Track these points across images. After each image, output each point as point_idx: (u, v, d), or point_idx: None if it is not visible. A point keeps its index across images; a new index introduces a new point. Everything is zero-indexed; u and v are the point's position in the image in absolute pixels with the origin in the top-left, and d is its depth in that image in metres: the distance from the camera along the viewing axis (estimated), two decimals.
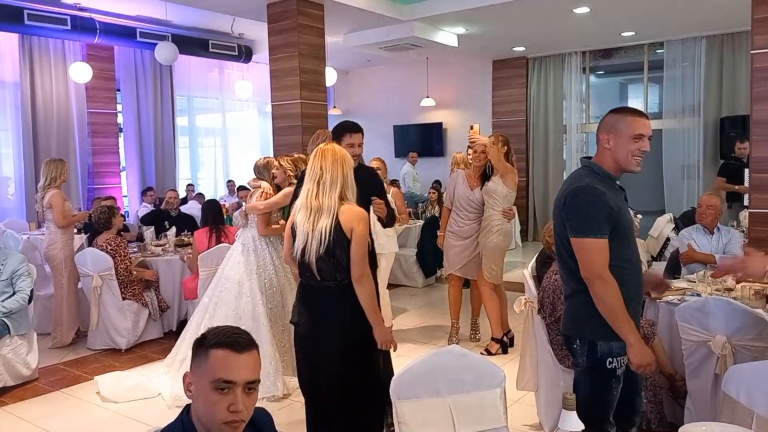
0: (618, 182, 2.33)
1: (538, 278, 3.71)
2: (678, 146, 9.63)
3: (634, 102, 12.31)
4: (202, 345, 1.52)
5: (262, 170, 4.45)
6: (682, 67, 9.48)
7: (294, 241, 2.65)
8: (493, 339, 5.02)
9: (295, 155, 4.61)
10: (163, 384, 4.21)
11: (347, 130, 3.47)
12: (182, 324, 5.51)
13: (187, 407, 1.54)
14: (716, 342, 2.85)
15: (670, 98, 9.75)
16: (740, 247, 4.39)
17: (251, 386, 1.50)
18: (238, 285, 4.20)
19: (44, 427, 3.78)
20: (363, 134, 3.52)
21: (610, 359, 2.21)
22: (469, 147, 5.16)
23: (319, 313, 2.65)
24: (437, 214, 8.04)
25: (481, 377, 2.14)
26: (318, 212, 2.56)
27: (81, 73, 8.00)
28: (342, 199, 2.58)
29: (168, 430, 1.52)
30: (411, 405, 2.07)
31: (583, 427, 1.42)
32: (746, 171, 6.55)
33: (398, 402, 2.06)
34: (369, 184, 3.34)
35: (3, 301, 4.22)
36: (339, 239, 2.53)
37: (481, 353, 4.87)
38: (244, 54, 9.93)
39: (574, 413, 1.43)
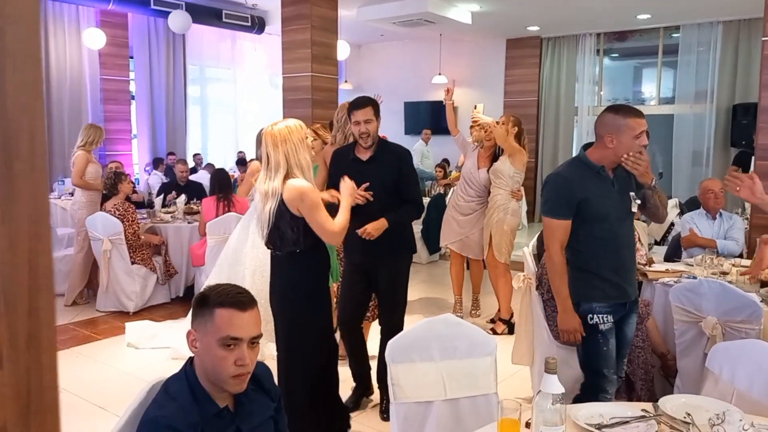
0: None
1: (538, 256, 3.77)
2: (689, 132, 9.59)
3: (648, 86, 12.21)
4: (205, 304, 1.58)
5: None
6: (697, 52, 9.39)
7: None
8: (500, 320, 5.08)
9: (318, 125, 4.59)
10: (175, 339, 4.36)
11: (351, 107, 3.26)
12: (189, 290, 5.64)
13: (191, 359, 1.63)
14: (707, 322, 2.92)
15: (683, 83, 9.68)
16: (742, 233, 4.40)
17: (255, 341, 1.59)
18: (234, 253, 4.27)
19: None
20: (374, 108, 3.22)
21: (591, 315, 2.53)
22: (471, 127, 5.17)
23: (272, 278, 2.90)
24: (443, 192, 8.10)
25: (473, 345, 2.22)
26: (265, 196, 2.72)
27: (94, 38, 8.05)
28: (287, 178, 2.67)
29: (173, 379, 1.61)
30: (405, 368, 2.15)
31: (563, 390, 1.50)
32: (753, 158, 6.55)
33: (393, 365, 2.14)
34: (397, 170, 3.21)
35: None
36: (282, 215, 2.67)
37: (487, 332, 4.95)
38: (257, 25, 9.92)
39: (555, 377, 1.50)
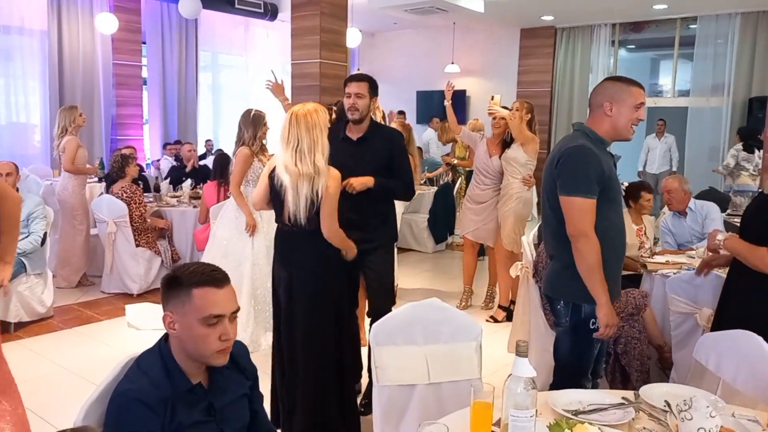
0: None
1: (537, 245, 3.75)
2: (704, 126, 9.45)
3: (664, 79, 12.05)
4: (180, 285, 1.56)
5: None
6: (715, 44, 9.23)
7: (271, 192, 2.89)
8: (500, 307, 5.07)
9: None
10: None
11: (347, 79, 3.23)
12: None
13: (165, 335, 1.63)
14: (703, 314, 2.88)
15: (699, 76, 9.53)
16: (720, 222, 4.19)
17: (234, 314, 1.60)
18: (226, 242, 4.27)
19: (56, 361, 3.97)
20: (370, 85, 3.16)
21: (594, 320, 2.28)
22: (491, 116, 5.10)
23: (292, 256, 2.89)
24: (450, 181, 8.06)
25: (458, 330, 2.20)
26: (299, 177, 2.72)
27: (107, 23, 8.08)
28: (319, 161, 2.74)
29: (146, 354, 1.62)
30: (388, 351, 2.14)
31: (535, 373, 1.48)
32: (755, 151, 6.42)
33: (376, 347, 2.14)
34: (387, 151, 3.18)
35: (19, 241, 4.38)
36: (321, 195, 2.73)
37: (487, 320, 4.93)
38: (270, 12, 9.92)
39: (527, 360, 1.49)
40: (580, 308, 2.30)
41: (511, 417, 1.46)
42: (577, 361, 2.38)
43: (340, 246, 2.87)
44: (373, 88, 3.20)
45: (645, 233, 4.16)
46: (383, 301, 3.29)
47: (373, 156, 3.16)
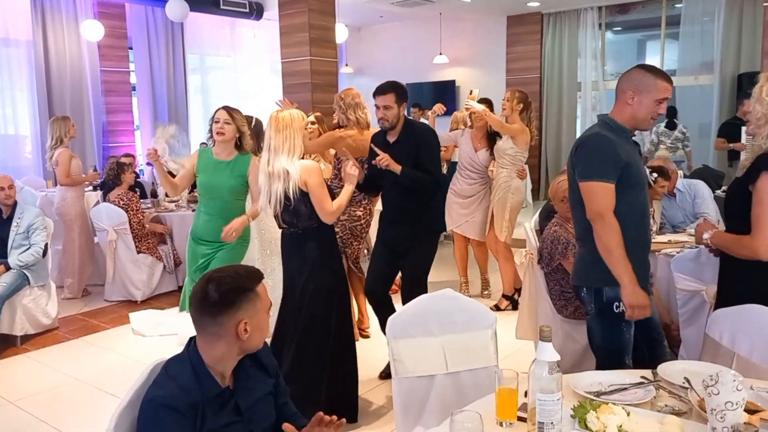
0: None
1: (540, 232, 3.77)
2: (694, 104, 9.49)
3: (652, 59, 12.08)
4: (248, 290, 1.62)
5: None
6: (701, 22, 9.27)
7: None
8: (503, 296, 5.10)
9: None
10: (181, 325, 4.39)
11: (374, 92, 3.43)
12: None
13: (192, 340, 1.64)
14: (709, 291, 2.91)
15: (687, 55, 9.57)
16: (710, 202, 4.19)
17: None
18: None
19: (65, 371, 3.97)
20: (396, 94, 3.36)
21: (617, 303, 2.28)
22: (465, 110, 5.12)
23: (292, 256, 3.12)
24: (445, 173, 8.06)
25: (472, 319, 2.23)
26: (271, 177, 2.95)
27: (93, 30, 8.03)
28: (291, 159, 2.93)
29: (174, 360, 1.62)
30: (405, 343, 2.16)
31: (558, 357, 1.50)
32: (743, 129, 6.49)
33: (393, 341, 2.16)
34: (415, 148, 3.36)
35: (20, 254, 4.37)
36: (294, 192, 2.90)
37: (491, 308, 4.96)
38: (255, 11, 9.87)
39: (550, 344, 1.50)
40: (602, 292, 2.31)
41: (539, 401, 1.48)
42: (610, 347, 2.35)
43: (343, 207, 3.02)
44: (400, 96, 3.40)
45: (653, 217, 4.19)
46: (414, 292, 3.38)
47: (405, 155, 3.36)
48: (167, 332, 4.51)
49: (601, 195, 2.23)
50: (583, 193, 2.29)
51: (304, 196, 2.92)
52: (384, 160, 3.28)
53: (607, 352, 2.35)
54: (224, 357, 1.61)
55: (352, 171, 3.08)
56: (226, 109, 3.65)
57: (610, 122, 2.33)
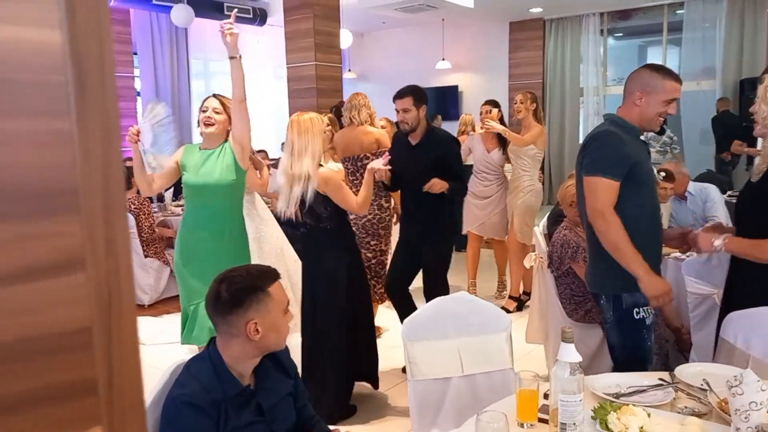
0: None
1: (549, 236, 3.78)
2: (697, 110, 9.53)
3: None
4: (259, 290, 1.62)
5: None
6: (703, 28, 9.32)
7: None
8: (510, 297, 5.10)
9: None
10: None
11: (394, 96, 3.57)
12: None
13: (213, 340, 1.65)
14: (720, 295, 2.91)
15: (689, 61, 9.61)
16: (720, 206, 4.15)
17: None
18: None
19: None
20: (414, 98, 3.48)
21: (637, 309, 2.26)
22: (482, 128, 5.11)
23: (311, 257, 3.22)
24: None
25: (487, 321, 2.24)
26: (292, 179, 2.99)
27: None
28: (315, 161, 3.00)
29: (195, 360, 1.64)
30: (420, 346, 2.17)
31: (581, 358, 1.51)
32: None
33: (408, 343, 2.17)
34: (436, 153, 3.48)
35: None
36: (315, 196, 2.98)
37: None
38: (259, 17, 9.92)
39: (572, 345, 1.52)
40: (621, 299, 2.27)
41: (561, 402, 1.49)
42: (633, 356, 2.29)
43: (369, 198, 3.11)
44: (418, 99, 3.52)
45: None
46: (434, 292, 3.48)
47: (427, 158, 3.52)
48: (171, 339, 4.47)
49: (603, 191, 2.19)
50: (585, 188, 2.25)
51: (324, 199, 3.01)
52: (437, 185, 3.42)
53: (629, 362, 2.28)
54: (241, 356, 1.61)
55: (377, 164, 3.13)
56: (218, 97, 3.14)
57: (619, 121, 2.30)
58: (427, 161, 3.50)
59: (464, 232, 5.43)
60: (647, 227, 2.28)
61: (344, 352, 3.14)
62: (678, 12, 9.64)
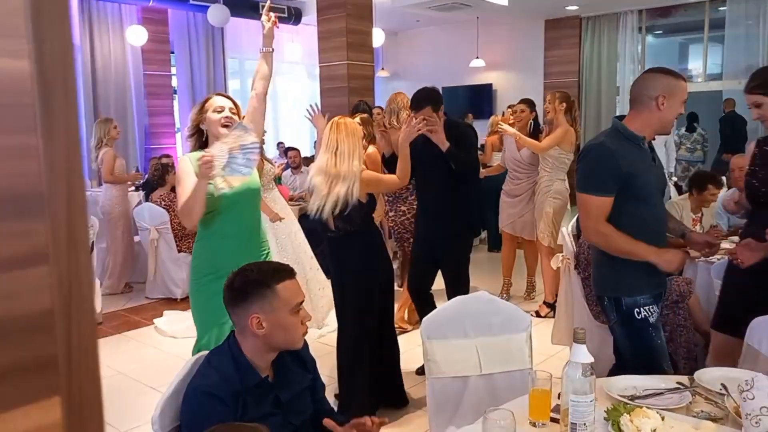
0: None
1: (577, 237, 3.75)
2: (739, 108, 9.27)
3: (694, 63, 11.85)
4: (264, 286, 1.63)
5: None
6: (746, 25, 9.06)
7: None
8: (545, 303, 5.05)
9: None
10: None
11: (411, 108, 3.62)
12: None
13: (232, 334, 1.70)
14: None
15: (731, 58, 9.36)
16: None
17: (303, 301, 1.73)
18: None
19: (109, 365, 4.10)
20: (433, 106, 3.47)
21: (637, 310, 2.26)
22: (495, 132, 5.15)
23: (338, 260, 3.22)
24: (483, 178, 8.04)
25: (508, 321, 2.24)
26: (336, 178, 2.98)
27: (137, 35, 8.28)
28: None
29: (216, 352, 1.69)
30: (439, 344, 2.19)
31: (592, 359, 1.51)
32: None
33: (427, 341, 2.19)
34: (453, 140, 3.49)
35: None
36: (353, 198, 2.98)
37: (531, 314, 4.90)
38: (294, 16, 10.02)
39: (584, 347, 1.51)
40: (621, 301, 2.28)
41: (572, 402, 1.49)
42: (641, 353, 2.30)
43: (407, 169, 3.11)
44: (436, 105, 3.49)
45: (701, 222, 4.13)
46: (456, 291, 3.51)
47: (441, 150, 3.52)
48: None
49: (594, 209, 2.22)
50: (578, 203, 2.29)
51: (360, 204, 3.01)
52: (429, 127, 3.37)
53: (640, 359, 2.30)
54: (254, 350, 1.65)
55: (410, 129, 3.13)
56: (225, 95, 2.75)
57: (621, 129, 2.27)
58: (440, 152, 3.50)
59: (500, 230, 5.44)
60: (649, 238, 2.24)
61: (368, 359, 3.17)
62: (720, 8, 9.39)
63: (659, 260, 2.19)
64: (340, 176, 2.97)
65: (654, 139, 2.36)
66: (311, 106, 4.08)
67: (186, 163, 2.53)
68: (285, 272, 1.68)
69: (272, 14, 2.90)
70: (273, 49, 2.93)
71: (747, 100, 2.56)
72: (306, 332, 1.72)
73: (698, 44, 10.48)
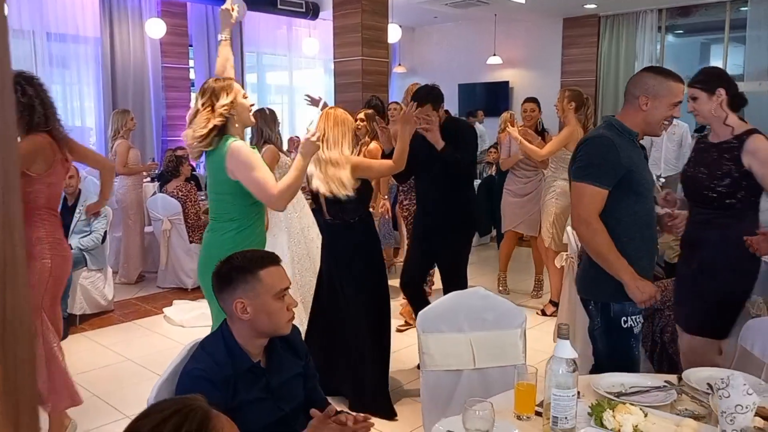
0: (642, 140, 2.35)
1: None
2: (759, 111, 9.15)
3: (715, 63, 11.69)
4: (247, 272, 1.68)
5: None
6: None
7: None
8: (551, 302, 5.04)
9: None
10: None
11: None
12: None
13: (225, 321, 1.75)
14: (752, 301, 2.85)
15: (753, 60, 9.23)
16: None
17: (288, 288, 1.75)
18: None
19: (119, 352, 4.19)
20: (433, 104, 3.47)
21: (625, 318, 2.24)
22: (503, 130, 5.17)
23: (332, 248, 3.30)
24: (494, 174, 8.05)
25: (502, 317, 2.27)
26: (327, 163, 3.09)
27: (156, 28, 8.37)
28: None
29: (210, 338, 1.75)
30: (434, 338, 2.22)
31: (576, 355, 1.54)
32: None
33: (423, 334, 2.22)
34: (450, 141, 3.48)
35: (81, 238, 4.64)
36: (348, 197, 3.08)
37: (537, 313, 4.92)
38: (311, 11, 10.07)
39: (568, 342, 1.54)
40: (609, 307, 2.25)
41: (553, 396, 1.52)
42: (619, 363, 2.21)
43: (405, 152, 3.15)
44: (436, 102, 3.52)
45: None
46: (446, 285, 3.60)
47: (446, 146, 3.53)
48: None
49: (588, 199, 2.17)
50: (572, 193, 2.27)
51: (356, 193, 3.09)
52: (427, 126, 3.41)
53: (615, 368, 2.15)
54: (244, 335, 1.69)
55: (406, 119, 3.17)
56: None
57: (616, 124, 2.26)
58: (447, 148, 3.51)
59: (503, 231, 5.40)
60: (640, 234, 2.24)
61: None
62: (742, 9, 9.27)
63: (633, 283, 2.14)
64: (329, 162, 3.09)
65: (642, 138, 2.33)
66: (307, 95, 4.10)
67: (249, 148, 2.51)
68: (269, 259, 1.72)
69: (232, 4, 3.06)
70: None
71: (688, 92, 2.52)
72: (293, 318, 1.74)
73: (719, 45, 10.34)
